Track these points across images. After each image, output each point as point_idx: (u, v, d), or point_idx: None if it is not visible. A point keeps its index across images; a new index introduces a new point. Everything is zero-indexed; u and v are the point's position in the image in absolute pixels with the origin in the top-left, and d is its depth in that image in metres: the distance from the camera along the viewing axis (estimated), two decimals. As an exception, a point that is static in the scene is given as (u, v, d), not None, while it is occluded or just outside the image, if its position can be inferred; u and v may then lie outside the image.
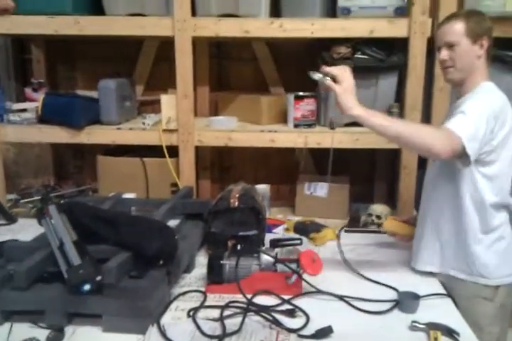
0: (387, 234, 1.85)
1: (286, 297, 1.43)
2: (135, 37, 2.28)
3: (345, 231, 1.91)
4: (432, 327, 1.29)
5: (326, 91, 1.41)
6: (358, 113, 1.39)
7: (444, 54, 1.53)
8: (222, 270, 1.48)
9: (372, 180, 2.63)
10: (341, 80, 1.42)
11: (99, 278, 1.24)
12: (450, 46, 1.51)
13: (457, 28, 1.49)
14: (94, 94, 2.29)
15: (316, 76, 1.44)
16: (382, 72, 2.17)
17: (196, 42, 2.32)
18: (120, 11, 2.21)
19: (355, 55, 2.16)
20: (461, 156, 1.42)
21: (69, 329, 1.26)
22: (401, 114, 2.18)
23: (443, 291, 1.53)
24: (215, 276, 1.48)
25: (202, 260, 1.67)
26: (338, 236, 1.77)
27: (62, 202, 1.59)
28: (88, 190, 2.54)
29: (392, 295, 1.48)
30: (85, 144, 2.31)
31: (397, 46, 2.17)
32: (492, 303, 1.54)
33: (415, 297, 1.42)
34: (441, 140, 1.37)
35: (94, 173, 2.47)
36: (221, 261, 1.49)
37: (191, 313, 1.34)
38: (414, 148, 1.45)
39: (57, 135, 2.25)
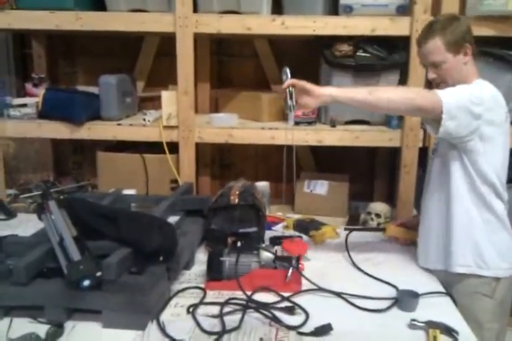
0: (389, 238, 1.87)
1: (285, 294, 1.43)
2: (136, 33, 2.27)
3: (345, 229, 1.92)
4: (431, 325, 1.29)
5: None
6: (331, 91, 1.44)
7: (431, 74, 1.55)
8: (222, 267, 1.48)
9: (372, 178, 2.64)
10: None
11: (99, 273, 1.24)
12: (436, 65, 1.51)
13: (437, 47, 1.49)
14: (94, 89, 2.29)
15: (286, 72, 1.51)
16: (384, 71, 2.17)
17: (197, 38, 2.32)
18: (122, 6, 2.21)
19: (357, 53, 2.16)
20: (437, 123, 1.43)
21: (68, 325, 1.25)
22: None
23: (442, 289, 1.53)
24: (215, 273, 1.48)
25: (201, 257, 1.67)
26: (346, 236, 1.81)
27: (62, 197, 1.59)
28: (87, 186, 2.54)
29: (392, 292, 1.48)
30: (85, 140, 2.31)
31: (399, 44, 2.17)
32: (492, 300, 1.55)
33: (414, 295, 1.42)
34: (421, 94, 1.44)
35: (93, 169, 2.47)
36: (221, 258, 1.48)
37: (191, 310, 1.34)
38: (399, 108, 1.47)
39: (58, 130, 2.25)
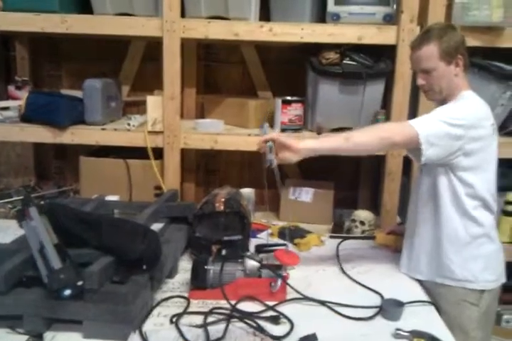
0: (379, 246, 1.89)
1: (270, 303, 1.42)
2: (122, 37, 2.25)
3: (334, 237, 1.92)
4: (416, 334, 1.29)
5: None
6: (310, 145, 1.46)
7: (421, 79, 1.56)
8: (206, 275, 1.46)
9: (357, 185, 2.64)
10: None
11: (80, 282, 1.21)
12: (426, 72, 1.52)
13: (431, 54, 1.50)
14: (78, 93, 2.26)
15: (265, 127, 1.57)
16: (370, 79, 2.17)
17: (184, 43, 2.30)
18: (108, 10, 2.18)
19: (344, 61, 2.16)
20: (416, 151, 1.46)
21: (48, 336, 1.23)
22: (387, 121, 2.19)
23: (427, 298, 1.54)
24: (199, 282, 1.46)
25: (185, 265, 1.65)
26: (338, 245, 1.82)
27: (43, 203, 1.56)
28: (69, 191, 2.50)
29: (378, 301, 1.48)
30: (68, 144, 2.27)
31: (385, 53, 2.18)
32: (477, 308, 1.56)
33: (399, 304, 1.42)
34: (395, 131, 1.46)
35: (76, 174, 2.43)
36: (205, 266, 1.47)
37: (174, 319, 1.32)
38: (378, 149, 1.51)
39: (40, 135, 2.21)
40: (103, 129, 2.22)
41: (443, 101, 1.57)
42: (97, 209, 1.75)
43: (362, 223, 2.07)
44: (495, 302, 1.61)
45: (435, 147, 1.43)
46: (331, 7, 2.11)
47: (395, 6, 2.10)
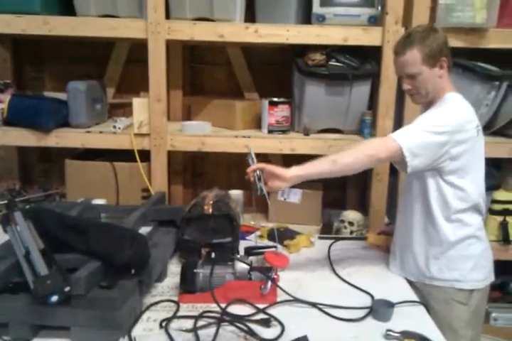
0: (371, 246, 1.90)
1: (261, 306, 1.41)
2: (107, 39, 2.23)
3: (319, 238, 1.92)
4: (407, 335, 1.30)
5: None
6: (294, 172, 1.47)
7: (406, 84, 1.57)
8: (196, 279, 1.45)
9: (345, 186, 2.64)
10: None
11: (67, 288, 1.19)
12: (412, 77, 1.53)
13: (414, 59, 1.50)
14: (63, 96, 2.22)
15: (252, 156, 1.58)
16: (356, 80, 2.18)
17: (170, 45, 2.29)
18: (92, 11, 2.16)
19: (330, 62, 2.17)
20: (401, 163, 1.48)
21: (35, 343, 1.20)
22: (373, 122, 2.20)
23: (417, 298, 1.54)
24: (189, 285, 1.45)
25: (174, 268, 1.63)
26: (329, 246, 1.82)
27: (28, 207, 1.53)
28: (55, 195, 2.46)
29: (369, 301, 1.48)
30: (53, 147, 2.24)
31: (371, 54, 2.19)
32: (466, 307, 1.58)
33: (389, 305, 1.43)
34: (379, 147, 1.47)
35: (61, 178, 2.39)
36: (194, 270, 1.46)
37: (164, 324, 1.30)
38: (364, 167, 1.51)
39: (24, 138, 2.18)
40: (88, 132, 2.19)
41: (429, 103, 1.58)
42: (83, 213, 1.72)
43: (351, 223, 2.07)
44: (484, 301, 1.63)
45: (420, 157, 1.45)
46: (317, 8, 2.11)
47: (379, 8, 2.11)
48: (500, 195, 2.19)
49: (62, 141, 2.18)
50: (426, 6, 2.07)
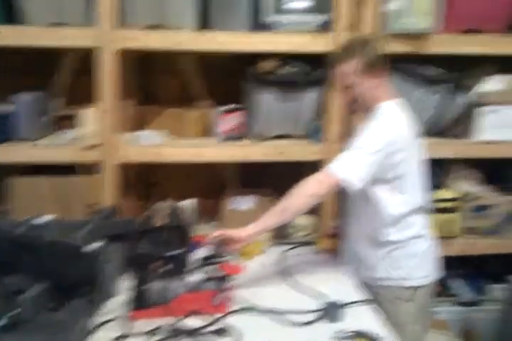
0: (322, 250, 1.92)
1: (216, 316, 1.40)
2: (55, 48, 2.16)
3: (272, 244, 1.93)
4: (358, 335, 1.33)
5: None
6: (250, 231, 1.53)
7: (345, 94, 1.62)
8: (149, 293, 1.43)
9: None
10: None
11: (14, 312, 1.15)
12: (349, 87, 1.57)
13: (351, 70, 1.55)
14: (8, 108, 2.14)
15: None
16: (306, 87, 2.21)
17: (122, 54, 2.24)
18: (39, 20, 2.07)
19: (281, 69, 2.19)
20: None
21: (-21, 371, 1.16)
22: (322, 128, 2.22)
23: (367, 298, 1.58)
24: (141, 301, 1.42)
25: (126, 284, 1.60)
26: (282, 253, 1.86)
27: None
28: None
29: (321, 304, 1.50)
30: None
31: (322, 61, 2.22)
32: (413, 303, 1.65)
33: (340, 306, 1.46)
34: (321, 185, 1.53)
35: (5, 194, 2.30)
36: (146, 284, 1.43)
37: (116, 343, 1.28)
38: (312, 205, 1.56)
39: (-35, 154, 2.08)
40: (34, 145, 2.12)
41: (366, 112, 1.62)
42: (30, 231, 1.66)
43: (302, 228, 2.10)
44: (429, 297, 1.70)
45: (362, 179, 1.50)
46: (268, 16, 2.13)
47: (329, 15, 2.14)
48: (443, 193, 2.27)
49: (6, 156, 2.09)
50: (374, 12, 2.11)
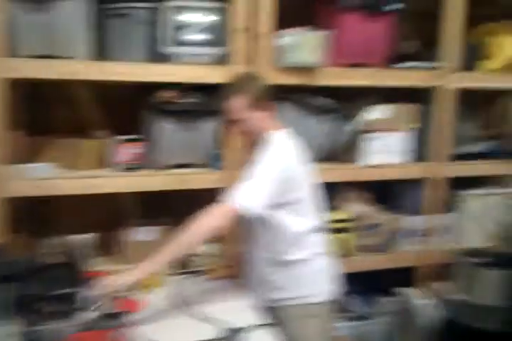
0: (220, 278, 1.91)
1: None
2: None
3: (171, 274, 1.90)
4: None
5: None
6: (137, 275, 1.52)
7: (234, 127, 1.71)
8: (39, 337, 1.33)
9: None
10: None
11: None
12: (237, 120, 1.65)
13: (237, 106, 1.63)
14: None
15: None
16: (205, 116, 2.24)
17: (9, 83, 2.13)
18: None
19: (180, 100, 2.21)
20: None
21: None
22: (222, 157, 2.26)
23: (269, 321, 1.61)
24: (29, 346, 1.32)
25: (14, 328, 1.47)
26: (178, 284, 1.85)
27: None
28: None
29: (223, 332, 1.50)
30: None
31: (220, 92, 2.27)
32: (320, 319, 1.71)
33: (240, 331, 1.48)
34: (221, 215, 1.55)
35: None
36: (36, 327, 1.35)
37: None
38: (209, 237, 1.58)
39: None
40: None
41: (257, 143, 1.70)
42: None
43: (203, 256, 2.09)
44: (330, 313, 1.77)
45: (259, 205, 1.55)
46: (166, 47, 2.15)
47: (226, 48, 2.20)
48: (338, 215, 2.40)
49: None
50: (268, 47, 2.21)
